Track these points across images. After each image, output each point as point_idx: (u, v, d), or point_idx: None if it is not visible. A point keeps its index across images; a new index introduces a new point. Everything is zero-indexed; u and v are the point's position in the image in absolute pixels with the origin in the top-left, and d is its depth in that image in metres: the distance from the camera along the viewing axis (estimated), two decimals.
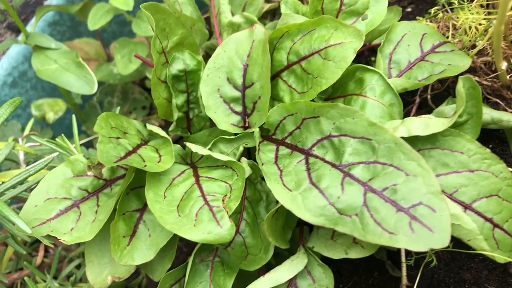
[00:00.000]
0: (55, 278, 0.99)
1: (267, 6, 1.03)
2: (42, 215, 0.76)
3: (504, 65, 0.75)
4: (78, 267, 1.08)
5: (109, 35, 1.65)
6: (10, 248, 1.00)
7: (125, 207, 0.77)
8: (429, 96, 0.96)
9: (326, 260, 0.93)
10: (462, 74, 0.80)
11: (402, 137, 0.66)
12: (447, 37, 0.85)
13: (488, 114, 0.77)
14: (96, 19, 1.21)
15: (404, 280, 0.83)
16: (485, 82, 0.87)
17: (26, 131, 1.07)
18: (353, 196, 0.64)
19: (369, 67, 0.77)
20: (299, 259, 0.72)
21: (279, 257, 0.84)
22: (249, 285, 0.71)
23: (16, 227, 0.71)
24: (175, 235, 0.78)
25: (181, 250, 1.00)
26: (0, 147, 0.90)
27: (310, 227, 0.86)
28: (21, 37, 1.19)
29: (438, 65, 0.79)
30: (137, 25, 1.23)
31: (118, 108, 0.96)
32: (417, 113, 1.00)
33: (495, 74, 0.79)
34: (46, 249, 1.14)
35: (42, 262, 1.11)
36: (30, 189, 0.82)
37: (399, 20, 0.88)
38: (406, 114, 1.02)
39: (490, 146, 0.87)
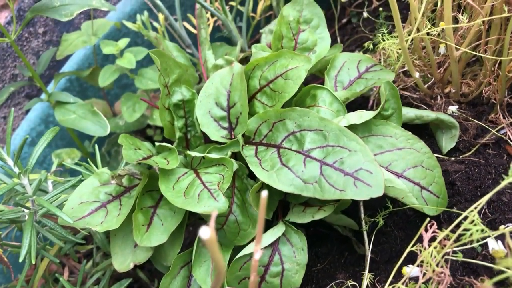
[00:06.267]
0: None
1: (242, 55, 1.32)
2: (78, 214, 0.97)
3: (417, 74, 1.02)
4: (97, 282, 1.26)
5: (112, 97, 1.93)
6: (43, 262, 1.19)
7: (142, 203, 0.99)
8: None
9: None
10: None
11: (345, 126, 0.91)
12: (380, 61, 1.13)
13: (413, 112, 1.04)
14: (106, 77, 1.48)
15: (368, 253, 1.04)
16: (414, 96, 1.14)
17: (53, 168, 1.30)
18: (312, 170, 0.88)
19: (320, 85, 1.04)
20: (278, 228, 0.94)
21: None
22: (242, 250, 0.92)
23: (60, 220, 0.92)
24: (181, 225, 1.00)
25: (185, 241, 1.20)
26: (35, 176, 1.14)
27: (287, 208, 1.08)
28: (44, 96, 1.45)
29: (370, 80, 1.06)
30: (139, 81, 1.51)
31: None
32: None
33: (413, 81, 1.06)
34: (71, 271, 1.32)
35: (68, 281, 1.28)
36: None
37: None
38: None
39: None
